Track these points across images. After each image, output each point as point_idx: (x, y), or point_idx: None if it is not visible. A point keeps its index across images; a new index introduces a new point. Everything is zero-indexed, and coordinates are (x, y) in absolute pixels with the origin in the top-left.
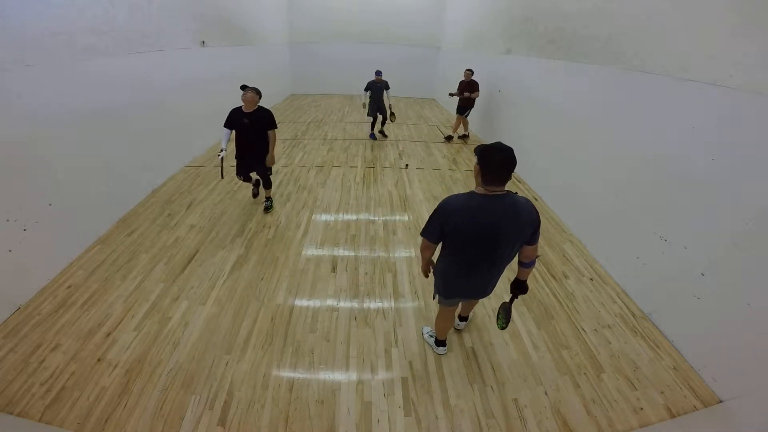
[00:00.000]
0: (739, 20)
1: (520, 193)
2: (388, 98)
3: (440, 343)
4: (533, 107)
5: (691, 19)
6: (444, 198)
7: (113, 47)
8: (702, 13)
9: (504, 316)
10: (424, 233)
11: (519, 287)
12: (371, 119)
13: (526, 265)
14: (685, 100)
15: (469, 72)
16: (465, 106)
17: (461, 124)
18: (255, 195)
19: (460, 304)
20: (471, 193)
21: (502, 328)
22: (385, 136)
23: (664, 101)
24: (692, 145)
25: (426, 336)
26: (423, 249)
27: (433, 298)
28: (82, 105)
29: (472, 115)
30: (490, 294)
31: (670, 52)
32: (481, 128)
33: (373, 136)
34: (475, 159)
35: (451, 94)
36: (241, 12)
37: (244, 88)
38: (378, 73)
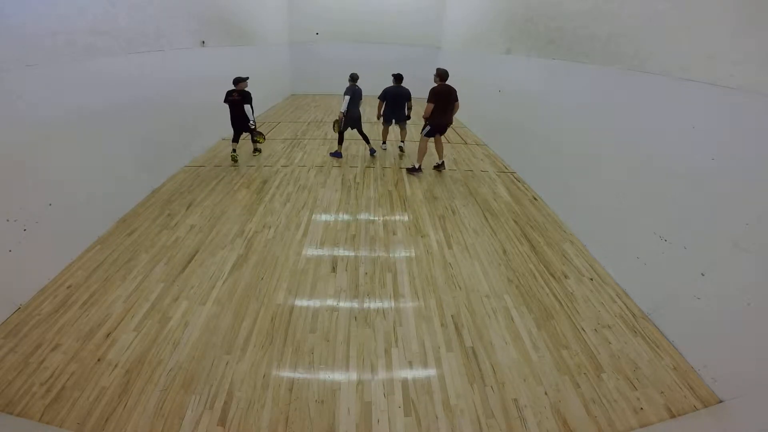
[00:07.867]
0: (739, 20)
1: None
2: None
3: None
4: (533, 107)
5: (691, 19)
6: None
7: (113, 47)
8: (702, 13)
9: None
10: (381, 97)
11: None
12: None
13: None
14: (685, 100)
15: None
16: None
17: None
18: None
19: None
20: (393, 86)
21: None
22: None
23: (664, 101)
24: (692, 145)
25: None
26: (380, 106)
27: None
28: (82, 105)
29: (471, 115)
30: (405, 124)
31: (670, 52)
32: (482, 127)
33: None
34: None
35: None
36: (241, 12)
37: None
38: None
